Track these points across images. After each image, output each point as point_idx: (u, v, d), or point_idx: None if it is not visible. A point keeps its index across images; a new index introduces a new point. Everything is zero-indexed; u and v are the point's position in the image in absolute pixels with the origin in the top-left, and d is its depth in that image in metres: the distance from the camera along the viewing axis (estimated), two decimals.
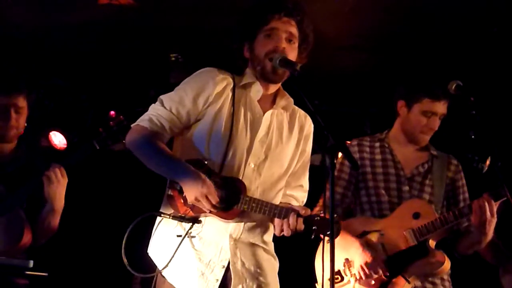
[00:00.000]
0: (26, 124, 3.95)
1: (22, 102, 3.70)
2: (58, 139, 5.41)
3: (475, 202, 3.40)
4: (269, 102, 3.03)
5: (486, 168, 4.19)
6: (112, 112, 4.59)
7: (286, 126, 3.08)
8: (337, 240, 2.81)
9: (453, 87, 3.32)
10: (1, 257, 3.42)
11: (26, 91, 3.75)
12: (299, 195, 3.14)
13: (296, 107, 3.14)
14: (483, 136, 3.54)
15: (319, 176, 3.01)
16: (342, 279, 3.55)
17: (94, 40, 5.03)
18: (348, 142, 3.93)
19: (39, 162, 3.73)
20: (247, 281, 2.98)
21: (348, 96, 5.21)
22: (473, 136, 3.53)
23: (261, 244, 3.05)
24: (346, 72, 5.09)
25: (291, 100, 3.07)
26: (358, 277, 3.49)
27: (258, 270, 3.03)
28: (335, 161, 2.58)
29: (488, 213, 3.36)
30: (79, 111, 5.28)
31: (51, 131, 5.44)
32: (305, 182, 3.16)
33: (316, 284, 3.64)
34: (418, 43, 4.78)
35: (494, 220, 3.43)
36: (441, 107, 3.60)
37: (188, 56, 5.04)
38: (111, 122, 3.35)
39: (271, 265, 3.09)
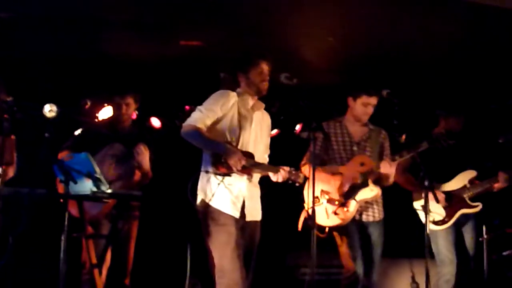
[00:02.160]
0: (136, 112, 5.25)
1: (130, 100, 4.93)
2: (155, 122, 6.49)
3: (382, 162, 4.58)
4: (254, 107, 4.28)
5: (403, 141, 5.47)
6: (187, 107, 5.78)
7: (263, 120, 4.37)
8: (318, 177, 4.16)
9: (385, 93, 4.62)
10: (123, 189, 4.62)
11: (133, 93, 4.96)
12: (266, 157, 4.39)
13: (263, 110, 4.37)
14: (401, 122, 4.79)
15: (305, 144, 4.56)
16: (319, 200, 4.58)
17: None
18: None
19: (141, 136, 4.87)
20: (252, 205, 4.16)
21: (323, 98, 6.28)
22: (395, 122, 4.79)
23: (256, 184, 4.27)
24: (321, 86, 6.36)
25: (263, 105, 4.33)
26: (328, 200, 4.58)
27: (256, 200, 4.24)
28: (315, 135, 4.01)
29: (388, 166, 4.51)
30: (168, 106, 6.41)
31: (152, 117, 6.54)
32: (268, 150, 4.42)
33: (304, 204, 4.63)
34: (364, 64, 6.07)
35: (393, 172, 4.56)
36: (373, 100, 4.74)
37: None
38: (185, 109, 4.83)
39: (258, 194, 4.28)
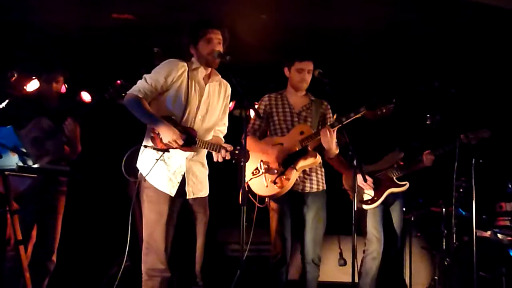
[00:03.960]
0: (66, 86, 5.14)
1: (58, 76, 4.85)
2: (86, 96, 6.36)
3: (322, 130, 4.51)
4: (207, 78, 4.14)
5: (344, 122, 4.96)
6: (118, 81, 5.09)
7: (217, 92, 4.20)
8: (258, 148, 4.52)
9: (316, 72, 4.59)
10: (51, 164, 4.48)
11: (62, 69, 4.90)
12: (222, 129, 4.32)
13: (222, 79, 4.25)
14: (330, 102, 4.90)
15: (240, 122, 4.16)
16: (258, 171, 4.57)
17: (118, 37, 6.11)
18: (256, 103, 4.98)
19: (70, 111, 4.73)
20: (194, 182, 4.07)
21: (257, 76, 6.38)
22: (326, 101, 4.89)
23: (201, 161, 4.17)
24: (255, 64, 6.34)
25: (219, 76, 4.20)
26: (267, 169, 4.54)
27: (199, 177, 4.13)
28: (247, 113, 4.00)
29: (328, 133, 4.46)
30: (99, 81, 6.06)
31: (82, 91, 6.38)
32: (226, 120, 4.32)
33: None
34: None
35: (333, 140, 4.49)
36: (307, 65, 4.72)
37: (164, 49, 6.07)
38: (116, 84, 4.51)
39: (205, 173, 4.19)
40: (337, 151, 4.64)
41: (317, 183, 4.77)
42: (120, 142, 4.34)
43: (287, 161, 4.60)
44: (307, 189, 4.72)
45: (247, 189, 4.49)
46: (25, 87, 5.88)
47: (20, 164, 3.85)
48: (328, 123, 4.68)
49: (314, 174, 4.77)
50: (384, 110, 4.52)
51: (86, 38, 6.17)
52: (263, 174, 4.57)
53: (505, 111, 7.00)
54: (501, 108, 7.03)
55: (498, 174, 6.37)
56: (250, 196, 4.53)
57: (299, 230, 4.69)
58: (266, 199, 4.62)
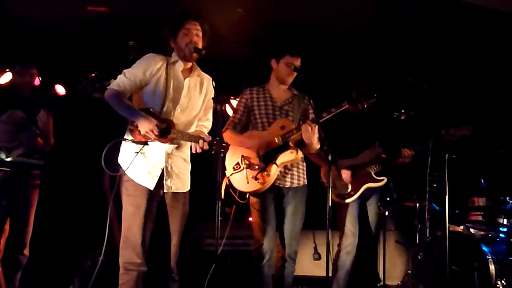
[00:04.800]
0: (40, 79, 5.10)
1: (32, 70, 4.86)
2: (60, 89, 6.17)
3: (303, 125, 4.46)
4: (188, 72, 4.14)
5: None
6: (93, 74, 4.94)
7: (198, 86, 4.19)
8: (238, 143, 4.51)
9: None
10: (24, 157, 4.53)
11: (36, 64, 4.90)
12: (206, 124, 4.31)
13: (204, 73, 4.22)
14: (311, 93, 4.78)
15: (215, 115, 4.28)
16: (239, 167, 4.55)
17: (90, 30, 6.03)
18: (232, 97, 5.05)
19: (43, 103, 4.71)
20: (174, 177, 4.07)
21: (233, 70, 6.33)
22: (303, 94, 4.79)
23: (183, 156, 4.15)
24: (231, 58, 6.37)
25: (200, 70, 4.19)
26: (248, 165, 4.51)
27: (180, 172, 4.13)
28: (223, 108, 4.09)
29: (309, 129, 4.42)
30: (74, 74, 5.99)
31: (56, 84, 6.20)
32: (209, 116, 4.32)
33: (225, 172, 4.57)
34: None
35: (314, 135, 4.44)
36: (297, 61, 4.68)
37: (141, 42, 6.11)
38: (90, 76, 4.51)
39: (187, 169, 4.19)
40: (318, 146, 4.59)
41: (298, 178, 4.74)
42: (95, 136, 4.38)
43: (268, 156, 4.58)
44: (288, 184, 4.69)
45: (228, 184, 4.52)
46: None
47: None
48: (310, 118, 4.65)
49: (295, 169, 4.75)
50: (365, 105, 4.53)
51: (61, 30, 6.10)
52: (244, 170, 4.55)
53: (478, 107, 7.06)
54: (474, 104, 7.09)
55: (471, 169, 6.43)
56: (231, 191, 4.52)
57: (278, 225, 4.66)
58: (247, 195, 4.60)
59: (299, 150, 4.59)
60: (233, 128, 4.80)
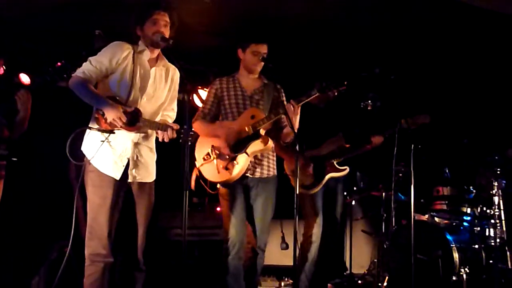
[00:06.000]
0: (4, 68, 5.10)
1: None
2: (25, 78, 6.02)
3: (287, 104, 4.48)
4: (154, 61, 4.14)
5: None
6: (59, 63, 5.37)
7: (164, 76, 4.18)
8: (208, 133, 4.49)
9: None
10: None
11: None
12: (171, 114, 4.28)
13: (170, 64, 4.21)
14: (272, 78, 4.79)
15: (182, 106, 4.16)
16: (209, 157, 4.54)
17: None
18: (199, 87, 5.03)
19: (12, 91, 4.67)
20: (140, 167, 4.06)
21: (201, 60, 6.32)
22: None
23: (149, 146, 4.14)
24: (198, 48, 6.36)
25: (166, 60, 4.17)
26: (218, 155, 4.50)
27: (146, 162, 4.13)
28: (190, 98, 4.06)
29: (291, 108, 4.40)
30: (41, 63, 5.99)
31: (21, 73, 6.08)
32: (174, 106, 4.31)
33: (196, 162, 4.59)
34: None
35: (297, 116, 4.44)
36: (263, 48, 4.67)
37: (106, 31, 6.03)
38: (57, 65, 4.75)
39: (153, 158, 4.18)
40: (297, 126, 4.51)
41: (268, 168, 4.73)
42: (61, 125, 4.30)
43: (239, 146, 4.54)
44: (258, 175, 4.67)
45: (198, 175, 4.50)
46: None
47: None
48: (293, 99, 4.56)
49: (265, 159, 4.74)
50: (336, 93, 4.56)
51: (26, 18, 5.95)
52: (215, 160, 4.53)
53: (443, 98, 7.16)
54: (439, 95, 7.18)
55: (435, 159, 6.51)
56: (202, 182, 4.51)
57: (249, 216, 4.67)
58: (218, 185, 4.59)
59: (269, 140, 4.56)
60: (203, 119, 4.77)
